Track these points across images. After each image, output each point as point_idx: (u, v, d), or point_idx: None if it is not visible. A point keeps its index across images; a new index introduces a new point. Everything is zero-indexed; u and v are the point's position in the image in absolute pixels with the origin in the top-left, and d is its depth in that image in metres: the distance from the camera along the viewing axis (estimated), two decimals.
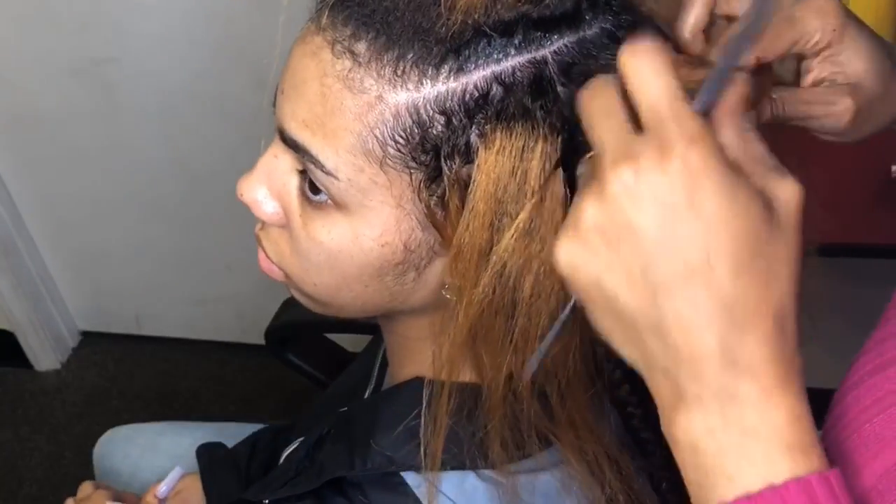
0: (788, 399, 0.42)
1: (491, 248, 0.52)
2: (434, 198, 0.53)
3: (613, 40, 0.51)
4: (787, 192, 0.43)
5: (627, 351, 0.45)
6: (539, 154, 0.50)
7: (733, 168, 0.42)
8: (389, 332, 0.69)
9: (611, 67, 0.47)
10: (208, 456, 1.01)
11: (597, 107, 0.45)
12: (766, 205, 0.42)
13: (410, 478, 0.62)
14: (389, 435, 0.62)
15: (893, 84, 0.56)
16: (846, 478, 0.43)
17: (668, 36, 0.54)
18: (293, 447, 0.81)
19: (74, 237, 2.03)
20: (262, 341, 1.28)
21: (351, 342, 1.27)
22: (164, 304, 2.08)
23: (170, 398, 2.03)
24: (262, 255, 0.62)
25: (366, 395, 0.80)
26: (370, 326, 0.76)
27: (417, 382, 0.63)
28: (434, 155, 0.52)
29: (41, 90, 1.76)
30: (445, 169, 0.52)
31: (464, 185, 0.52)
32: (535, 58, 0.50)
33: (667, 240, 0.41)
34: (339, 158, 0.53)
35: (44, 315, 2.10)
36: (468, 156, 0.51)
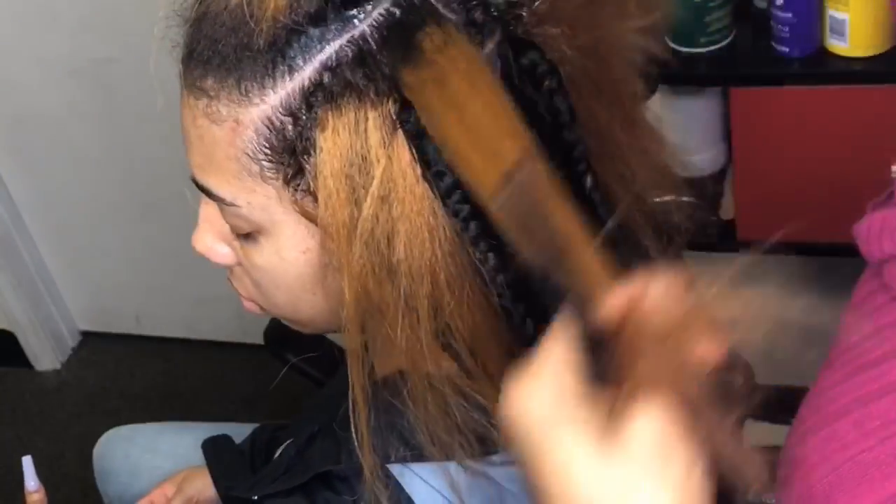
0: None
1: (356, 223, 0.54)
2: (300, 192, 0.56)
3: None
4: (639, 422, 0.44)
5: None
6: (373, 122, 0.52)
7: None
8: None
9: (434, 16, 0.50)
10: (214, 447, 1.02)
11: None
12: (603, 447, 0.44)
13: (396, 469, 0.62)
14: (373, 428, 0.62)
15: None
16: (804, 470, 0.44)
17: None
18: (286, 444, 0.82)
19: (74, 237, 2.03)
20: (262, 341, 1.28)
21: None
22: (164, 304, 2.08)
23: (170, 398, 2.03)
24: (240, 297, 0.68)
25: None
26: None
27: (396, 376, 0.63)
28: (293, 155, 0.54)
29: (41, 90, 1.76)
30: (304, 164, 0.54)
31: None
32: (353, 35, 0.52)
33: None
34: (231, 188, 0.57)
35: (44, 315, 2.10)
36: (315, 143, 0.53)
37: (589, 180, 0.56)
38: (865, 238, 0.58)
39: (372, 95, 0.52)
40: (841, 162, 1.21)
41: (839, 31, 1.17)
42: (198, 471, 1.07)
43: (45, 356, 2.13)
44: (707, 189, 1.33)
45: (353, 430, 0.60)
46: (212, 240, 0.64)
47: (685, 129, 1.33)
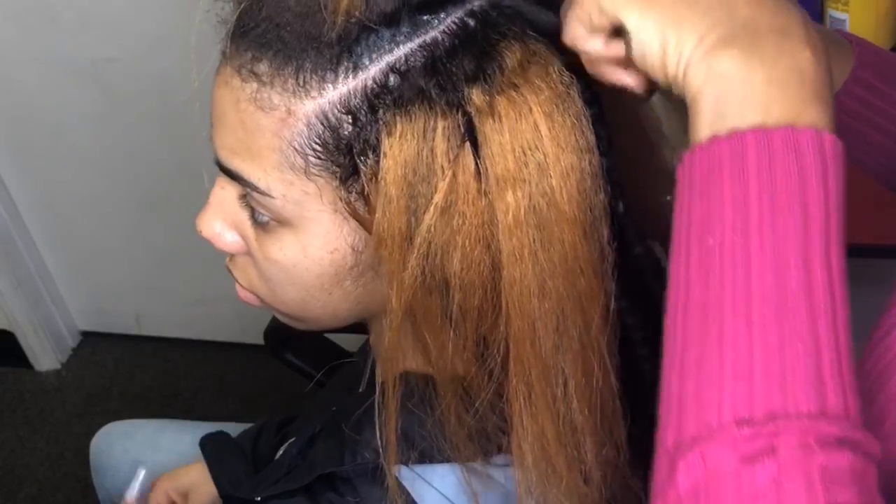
0: (823, 73, 0.45)
1: (412, 231, 0.53)
2: (354, 194, 0.54)
3: (505, 6, 0.52)
4: None
5: (694, 17, 0.46)
6: (441, 132, 0.51)
7: None
8: (373, 332, 0.71)
9: (508, 33, 0.50)
10: (213, 444, 1.02)
11: None
12: None
13: (400, 471, 0.62)
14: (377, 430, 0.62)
15: None
16: (886, 428, 0.45)
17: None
18: (287, 444, 0.82)
19: (74, 237, 2.03)
20: (261, 341, 1.28)
21: (350, 342, 1.27)
22: (164, 304, 2.08)
23: (170, 398, 2.03)
24: (237, 285, 0.65)
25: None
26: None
27: (402, 377, 0.63)
28: (349, 154, 0.53)
29: (41, 90, 1.76)
30: (360, 165, 0.53)
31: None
32: (424, 41, 0.51)
33: None
34: (268, 177, 0.55)
35: (44, 315, 2.10)
36: (377, 148, 0.52)
37: (621, 205, 0.56)
38: None
39: (443, 105, 0.51)
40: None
41: (839, 31, 1.17)
42: (194, 466, 1.07)
43: (45, 356, 2.13)
44: None
45: (378, 432, 0.59)
46: (221, 226, 0.62)
47: (685, 129, 1.33)
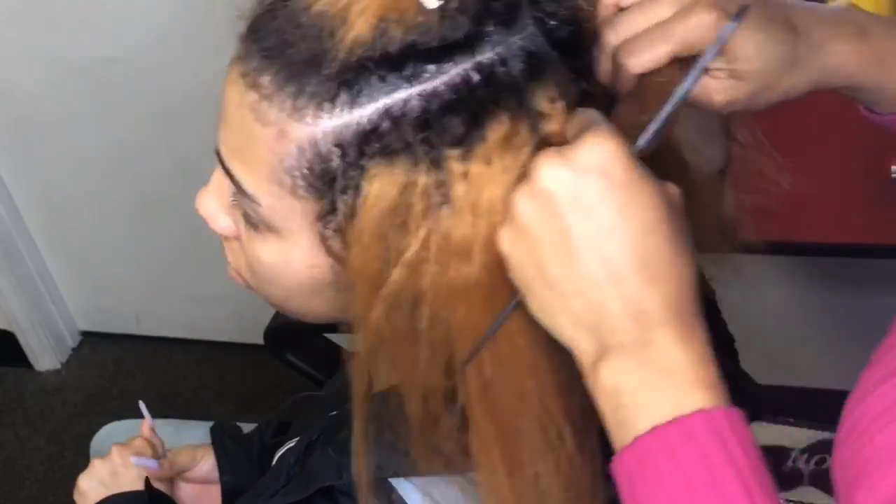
0: (695, 344, 0.49)
1: (382, 279, 0.52)
2: (330, 231, 0.54)
3: (515, 63, 0.51)
4: (674, 188, 0.51)
5: (560, 321, 0.50)
6: (421, 188, 0.50)
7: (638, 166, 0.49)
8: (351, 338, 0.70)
9: (502, 97, 0.50)
10: (221, 435, 1.02)
11: None
12: (665, 191, 0.49)
13: (399, 484, 0.62)
14: (376, 441, 0.62)
15: (801, 55, 0.58)
16: (863, 490, 0.47)
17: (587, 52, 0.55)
18: (286, 448, 0.81)
19: (74, 237, 2.03)
20: (261, 341, 1.28)
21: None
22: (164, 304, 2.08)
23: (170, 398, 2.03)
24: (227, 264, 0.65)
25: None
26: None
27: (386, 393, 0.63)
28: (332, 189, 0.52)
29: (41, 90, 1.76)
30: (339, 203, 0.52)
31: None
32: (424, 89, 0.49)
33: (584, 216, 0.48)
34: (259, 186, 0.54)
35: (44, 315, 2.10)
36: (358, 190, 0.51)
37: None
38: None
39: (428, 162, 0.50)
40: (841, 162, 1.21)
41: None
42: (195, 446, 1.07)
43: (45, 356, 2.13)
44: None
45: (352, 450, 0.59)
46: (216, 208, 0.61)
47: (685, 129, 1.33)
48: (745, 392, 0.71)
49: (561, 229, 0.48)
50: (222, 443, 1.03)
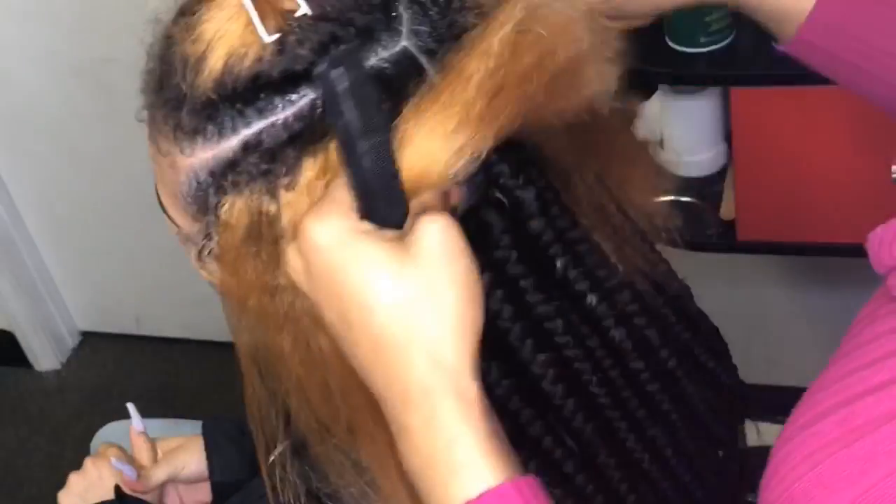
0: (474, 422, 0.48)
1: (244, 306, 0.55)
2: (209, 257, 0.57)
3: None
4: (424, 228, 0.48)
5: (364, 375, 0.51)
6: (267, 217, 0.52)
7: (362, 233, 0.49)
8: None
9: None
10: (214, 432, 1.03)
11: None
12: (398, 255, 0.48)
13: None
14: (299, 472, 0.64)
15: None
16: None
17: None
18: (276, 452, 0.82)
19: (74, 237, 2.03)
20: None
21: None
22: (164, 304, 2.09)
23: (170, 398, 2.03)
24: None
25: None
26: None
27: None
28: (205, 214, 0.55)
29: (41, 90, 1.76)
30: (210, 229, 0.55)
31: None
32: (276, 121, 0.51)
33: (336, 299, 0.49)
34: (174, 211, 0.58)
35: (44, 315, 2.10)
36: (218, 217, 0.54)
37: (559, 263, 0.57)
38: (874, 249, 0.58)
39: (266, 191, 0.52)
40: (841, 162, 1.21)
41: None
42: (188, 444, 1.07)
43: (45, 356, 2.13)
44: (707, 189, 1.33)
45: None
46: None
47: (685, 129, 1.33)
48: (743, 398, 0.71)
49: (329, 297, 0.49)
50: (215, 440, 1.03)
